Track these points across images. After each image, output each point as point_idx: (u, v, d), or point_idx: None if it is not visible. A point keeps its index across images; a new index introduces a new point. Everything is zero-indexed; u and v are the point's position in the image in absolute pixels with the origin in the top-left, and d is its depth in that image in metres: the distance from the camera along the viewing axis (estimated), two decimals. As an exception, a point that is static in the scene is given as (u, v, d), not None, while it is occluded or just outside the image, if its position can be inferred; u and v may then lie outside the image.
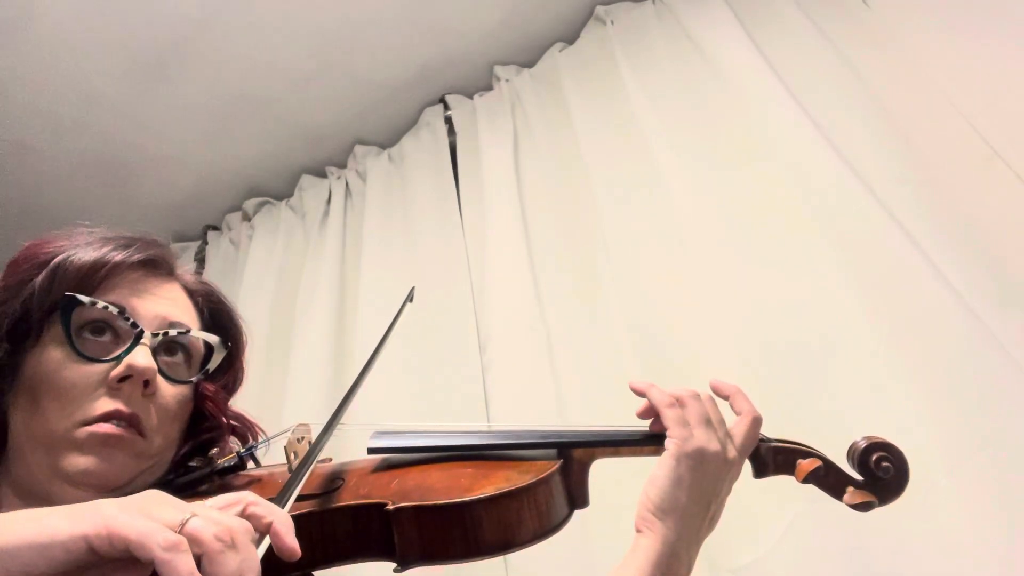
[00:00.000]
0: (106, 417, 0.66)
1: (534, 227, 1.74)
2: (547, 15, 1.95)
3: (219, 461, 0.75)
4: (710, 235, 1.47)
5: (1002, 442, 1.07)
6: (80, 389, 0.67)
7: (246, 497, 0.49)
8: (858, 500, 0.73)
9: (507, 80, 2.01)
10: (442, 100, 2.13)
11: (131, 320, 0.70)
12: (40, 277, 0.69)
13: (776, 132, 1.49)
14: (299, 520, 0.62)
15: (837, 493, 0.74)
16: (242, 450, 0.77)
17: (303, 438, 0.74)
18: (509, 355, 1.58)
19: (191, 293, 0.81)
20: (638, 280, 1.52)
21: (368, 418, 0.84)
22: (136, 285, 0.74)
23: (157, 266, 0.77)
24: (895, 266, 1.24)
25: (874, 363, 1.20)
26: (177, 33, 1.82)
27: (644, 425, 0.77)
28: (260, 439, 0.82)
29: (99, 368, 0.68)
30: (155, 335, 0.72)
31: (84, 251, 0.72)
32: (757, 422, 0.76)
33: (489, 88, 2.07)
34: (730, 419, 0.78)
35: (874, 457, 0.73)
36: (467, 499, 0.62)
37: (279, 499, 0.53)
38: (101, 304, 0.69)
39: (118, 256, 0.72)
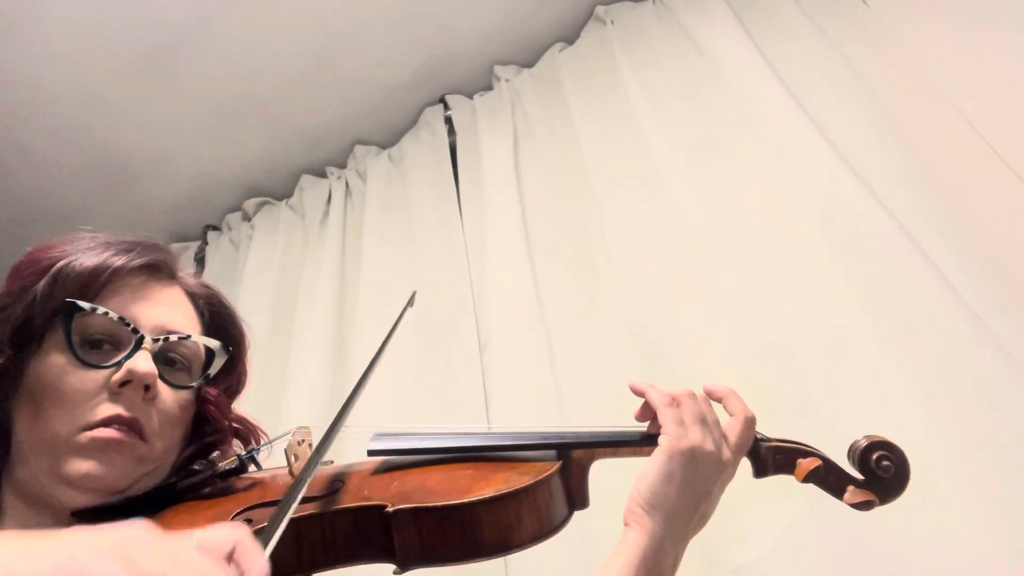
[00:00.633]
0: (107, 422, 0.67)
1: (534, 227, 1.74)
2: (547, 15, 1.96)
3: (220, 464, 0.75)
4: (710, 234, 1.47)
5: (1002, 442, 1.07)
6: (82, 395, 0.67)
7: (240, 537, 0.45)
8: (859, 499, 0.73)
9: (507, 80, 2.01)
10: (442, 100, 2.13)
11: (131, 326, 0.71)
12: (42, 283, 0.69)
13: (776, 131, 1.49)
14: (301, 522, 0.63)
15: (837, 492, 0.74)
16: (243, 453, 0.77)
17: (303, 441, 0.75)
18: (509, 355, 1.58)
19: (193, 297, 0.81)
20: (638, 279, 1.52)
21: (368, 419, 0.84)
22: (137, 290, 0.74)
23: (158, 270, 0.78)
24: (895, 266, 1.24)
25: (874, 363, 1.20)
26: (177, 34, 1.82)
27: (644, 426, 0.77)
28: (263, 442, 0.82)
29: (100, 374, 0.68)
30: (156, 340, 0.72)
31: (85, 256, 0.72)
32: (750, 422, 0.76)
33: (489, 88, 2.07)
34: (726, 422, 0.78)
35: (875, 456, 0.73)
36: (467, 501, 0.62)
37: (274, 520, 0.52)
38: (101, 310, 0.70)
39: (119, 261, 0.73)
